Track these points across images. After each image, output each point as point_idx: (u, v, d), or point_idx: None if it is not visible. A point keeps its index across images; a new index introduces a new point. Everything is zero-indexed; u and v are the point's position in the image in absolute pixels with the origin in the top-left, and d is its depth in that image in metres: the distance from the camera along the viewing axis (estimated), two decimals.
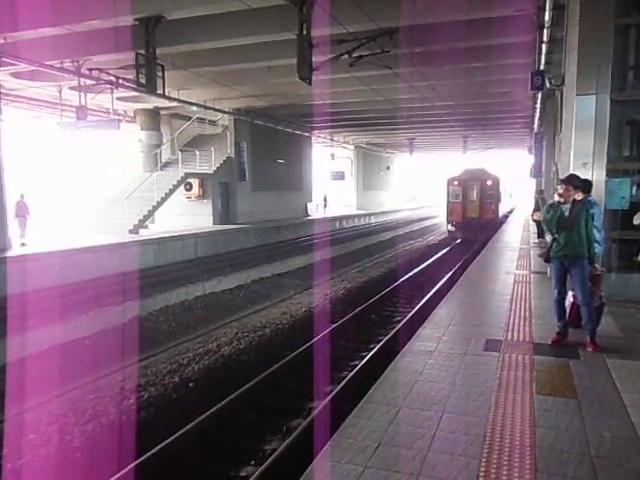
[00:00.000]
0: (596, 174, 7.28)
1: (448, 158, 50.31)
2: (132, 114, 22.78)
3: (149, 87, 12.49)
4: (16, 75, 15.67)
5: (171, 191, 20.27)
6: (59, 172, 24.50)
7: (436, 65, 15.04)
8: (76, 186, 22.90)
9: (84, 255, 14.29)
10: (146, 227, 19.88)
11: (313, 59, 10.00)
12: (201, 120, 25.06)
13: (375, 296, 12.24)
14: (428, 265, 17.61)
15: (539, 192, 17.84)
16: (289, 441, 5.35)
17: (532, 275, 9.97)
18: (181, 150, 22.72)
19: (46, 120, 20.92)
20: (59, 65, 13.85)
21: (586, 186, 6.15)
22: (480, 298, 8.28)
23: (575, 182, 5.63)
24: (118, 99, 18.53)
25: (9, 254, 13.33)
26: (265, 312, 12.40)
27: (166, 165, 22.59)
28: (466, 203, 24.56)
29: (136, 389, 7.37)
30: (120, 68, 13.61)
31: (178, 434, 5.46)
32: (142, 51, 12.06)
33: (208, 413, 5.99)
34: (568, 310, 5.66)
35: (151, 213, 19.65)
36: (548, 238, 5.80)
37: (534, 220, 13.20)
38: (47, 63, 13.48)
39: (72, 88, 16.44)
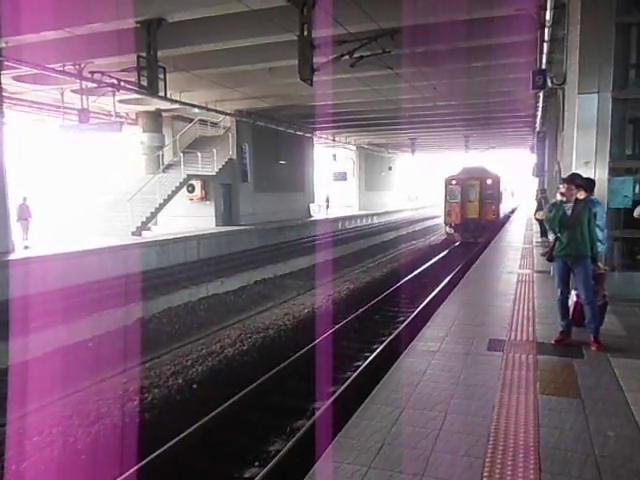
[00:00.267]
0: (599, 173, 7.26)
1: (450, 158, 50.23)
2: (134, 116, 22.84)
3: (151, 89, 12.51)
4: (18, 79, 15.73)
5: (173, 193, 20.31)
6: (62, 175, 24.56)
7: (437, 65, 15.04)
8: (79, 189, 22.97)
9: (87, 258, 14.32)
10: (149, 229, 19.92)
11: (314, 60, 10.02)
12: (203, 122, 25.10)
13: (378, 297, 12.23)
14: (431, 265, 17.58)
15: (542, 191, 17.81)
16: (293, 442, 5.35)
17: (535, 274, 9.95)
18: (183, 152, 22.74)
19: (48, 123, 20.97)
20: (61, 68, 13.90)
21: (588, 185, 6.13)
22: (483, 298, 8.26)
23: (577, 181, 5.63)
24: (120, 101, 18.60)
25: (12, 257, 13.37)
26: (268, 313, 12.40)
27: (168, 167, 22.62)
28: (465, 204, 23.36)
29: (140, 391, 7.38)
30: (122, 71, 13.63)
31: (182, 435, 5.47)
32: (143, 53, 12.07)
33: (212, 414, 6.00)
34: (571, 309, 5.64)
35: (154, 215, 19.69)
36: (551, 237, 5.79)
37: (537, 219, 13.18)
38: (49, 66, 13.53)
39: (74, 91, 16.51)
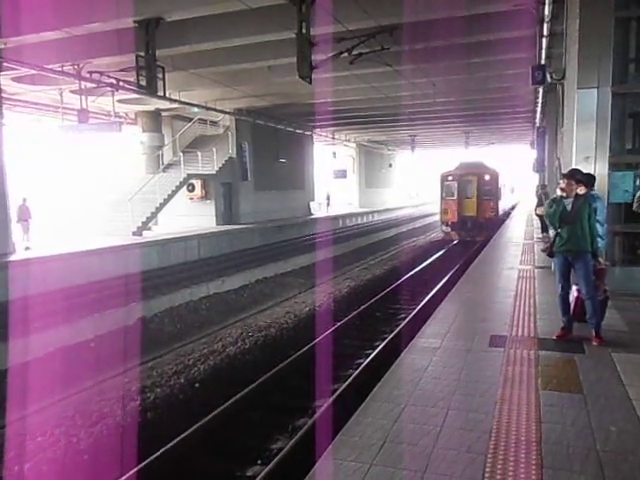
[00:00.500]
0: (599, 167, 7.25)
1: (450, 154, 50.15)
2: (133, 116, 22.82)
3: (150, 89, 12.49)
4: (17, 79, 15.72)
5: (174, 192, 20.31)
6: (62, 175, 24.56)
7: (436, 61, 15.00)
8: (79, 189, 22.97)
9: (88, 258, 14.33)
10: (149, 229, 19.91)
11: (313, 57, 9.99)
12: (202, 121, 25.06)
13: (379, 294, 12.23)
14: (431, 262, 17.59)
15: (542, 186, 17.76)
16: (295, 440, 5.35)
17: (536, 270, 9.95)
18: (183, 151, 22.74)
19: (48, 123, 20.97)
20: (60, 68, 13.89)
21: (589, 180, 6.12)
22: (484, 294, 8.25)
23: (577, 176, 5.62)
24: (119, 101, 18.57)
25: (13, 258, 13.38)
26: (269, 312, 12.41)
27: (168, 167, 22.62)
28: (462, 201, 22.25)
29: (142, 390, 7.39)
30: (120, 70, 13.63)
31: (184, 435, 5.47)
32: (142, 53, 12.06)
33: (214, 413, 6.00)
34: (572, 305, 5.63)
35: (154, 215, 19.69)
36: (551, 233, 5.78)
37: (537, 215, 13.16)
38: (48, 67, 13.51)
39: (73, 91, 16.48)
